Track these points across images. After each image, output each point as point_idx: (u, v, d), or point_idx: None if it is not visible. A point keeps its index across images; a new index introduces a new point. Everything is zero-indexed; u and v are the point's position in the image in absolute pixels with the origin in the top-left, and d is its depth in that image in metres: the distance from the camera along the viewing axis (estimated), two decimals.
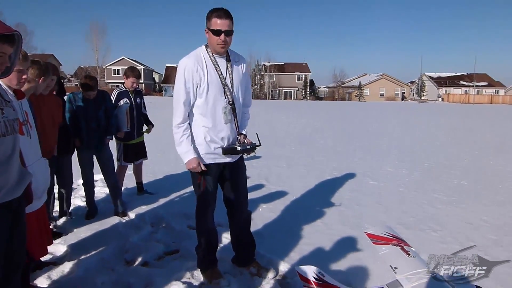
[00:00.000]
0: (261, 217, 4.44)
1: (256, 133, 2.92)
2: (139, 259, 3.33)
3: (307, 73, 71.49)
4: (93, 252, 3.42)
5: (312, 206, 4.90)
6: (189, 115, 2.79)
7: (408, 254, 2.73)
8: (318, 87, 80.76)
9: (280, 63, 72.33)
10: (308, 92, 70.15)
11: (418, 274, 2.45)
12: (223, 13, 2.58)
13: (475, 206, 5.12)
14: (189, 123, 2.79)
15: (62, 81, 4.49)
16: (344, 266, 3.22)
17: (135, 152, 5.10)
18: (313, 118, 21.23)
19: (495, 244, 3.83)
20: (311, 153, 9.22)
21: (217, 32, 2.58)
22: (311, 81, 73.98)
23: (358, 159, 8.59)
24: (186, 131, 2.76)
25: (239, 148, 2.73)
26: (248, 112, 3.07)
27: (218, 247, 3.21)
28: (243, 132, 2.91)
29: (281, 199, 5.21)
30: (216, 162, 2.83)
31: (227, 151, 2.76)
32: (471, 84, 70.21)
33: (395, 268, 2.57)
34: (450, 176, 6.94)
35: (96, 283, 2.92)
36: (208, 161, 2.81)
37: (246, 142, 2.82)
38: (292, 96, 70.39)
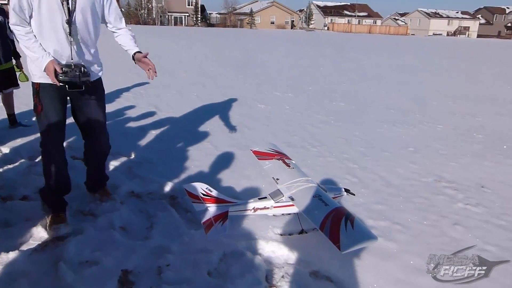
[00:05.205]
0: (151, 144, 4.38)
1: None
2: (17, 194, 3.08)
3: None
4: None
5: (202, 131, 4.96)
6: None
7: (289, 166, 2.98)
8: (210, 13, 78.08)
9: None
10: (199, 19, 67.52)
11: (296, 182, 2.71)
12: None
13: (349, 124, 5.69)
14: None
15: None
16: (232, 182, 3.41)
17: (2, 80, 4.49)
18: (204, 46, 20.69)
19: (363, 155, 4.37)
20: (202, 81, 9.12)
21: None
22: (202, 6, 70.88)
23: (247, 85, 8.78)
24: (31, 35, 2.33)
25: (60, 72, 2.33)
26: (127, 31, 2.68)
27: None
28: (137, 49, 2.66)
29: (171, 126, 5.16)
30: (52, 83, 2.41)
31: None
32: (353, 14, 74.52)
33: (277, 179, 2.81)
34: (330, 99, 7.55)
35: None
36: (42, 80, 2.45)
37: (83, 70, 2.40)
38: (183, 23, 67.13)
